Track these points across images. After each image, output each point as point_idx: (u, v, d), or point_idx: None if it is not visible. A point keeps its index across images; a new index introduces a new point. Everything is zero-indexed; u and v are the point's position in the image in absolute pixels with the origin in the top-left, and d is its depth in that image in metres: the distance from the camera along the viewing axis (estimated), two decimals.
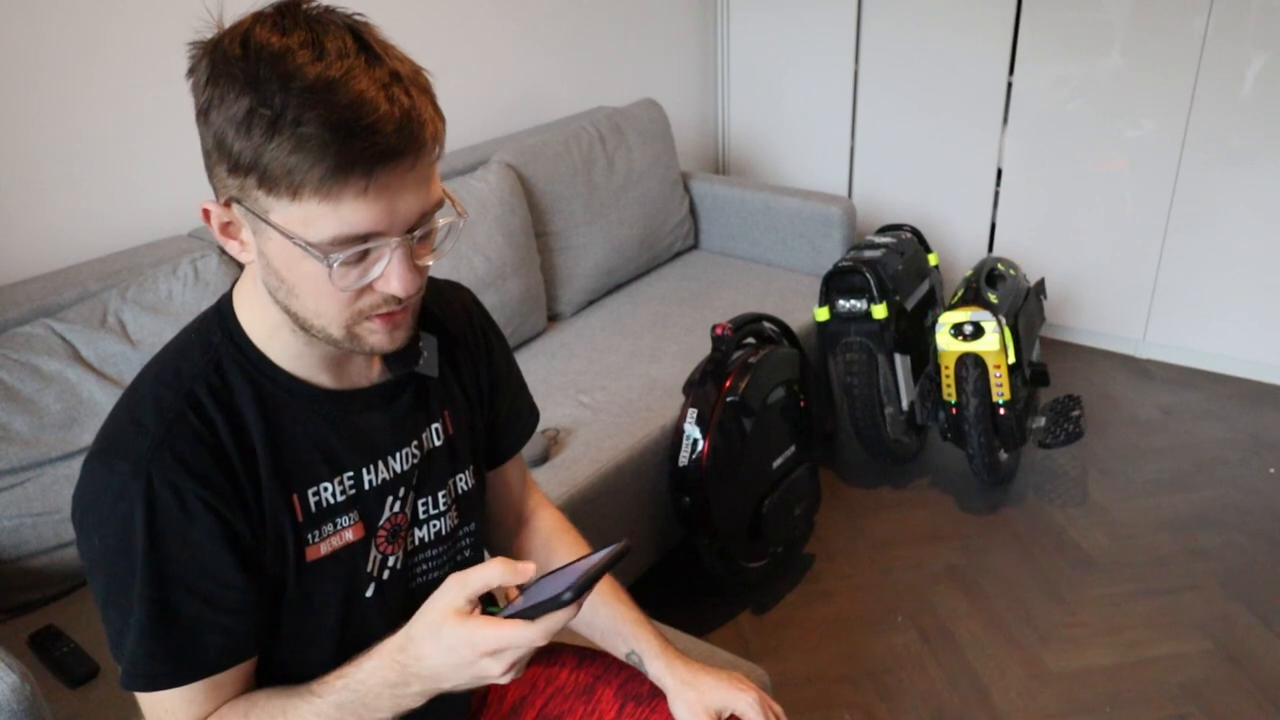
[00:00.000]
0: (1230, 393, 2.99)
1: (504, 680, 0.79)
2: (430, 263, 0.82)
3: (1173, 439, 2.78)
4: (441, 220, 0.81)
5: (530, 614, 0.77)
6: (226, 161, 0.73)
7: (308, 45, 0.71)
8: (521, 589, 0.83)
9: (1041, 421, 2.55)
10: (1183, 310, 3.06)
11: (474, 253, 2.29)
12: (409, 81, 0.74)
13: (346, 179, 0.71)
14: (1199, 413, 2.90)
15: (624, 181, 2.74)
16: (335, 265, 0.75)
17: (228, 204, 0.77)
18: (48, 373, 1.62)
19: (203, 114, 0.74)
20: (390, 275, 0.78)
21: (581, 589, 0.76)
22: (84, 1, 1.85)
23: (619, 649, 1.10)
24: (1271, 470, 2.62)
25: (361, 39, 0.74)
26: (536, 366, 2.35)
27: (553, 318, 2.62)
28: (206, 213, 0.80)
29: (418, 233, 0.78)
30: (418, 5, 2.50)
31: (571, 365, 2.35)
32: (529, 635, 0.76)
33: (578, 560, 0.84)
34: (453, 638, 0.77)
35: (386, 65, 0.73)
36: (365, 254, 0.76)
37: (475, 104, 2.73)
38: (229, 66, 0.72)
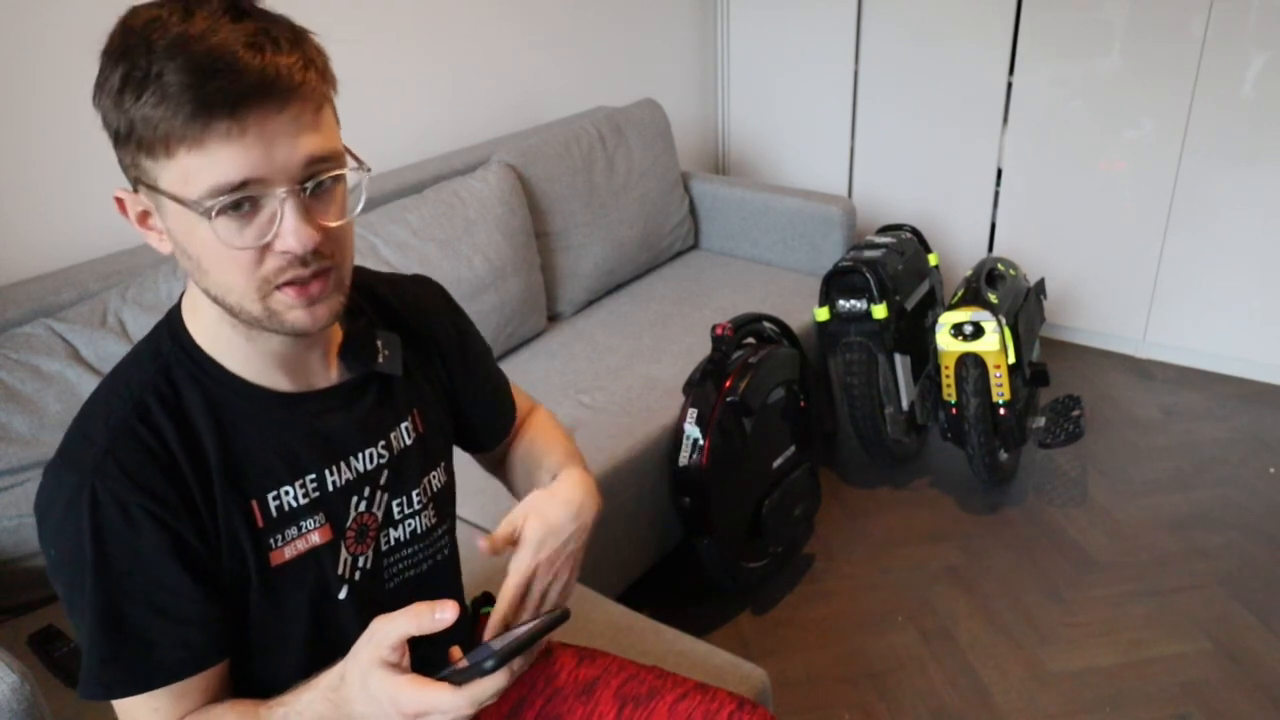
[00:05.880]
0: (1230, 393, 2.99)
1: None
2: (336, 223, 0.79)
3: (1173, 439, 2.78)
4: (335, 174, 0.78)
5: (458, 679, 0.74)
6: (115, 140, 0.74)
7: (177, 12, 0.72)
8: (476, 647, 0.79)
9: (1041, 421, 2.55)
10: (1183, 310, 3.06)
11: (474, 253, 2.29)
12: (280, 35, 0.74)
13: (210, 121, 0.70)
14: (1199, 413, 2.90)
15: (624, 181, 2.74)
16: (214, 216, 0.73)
17: (136, 190, 0.77)
18: (48, 373, 1.62)
19: (94, 101, 0.75)
20: (285, 231, 0.75)
21: (504, 658, 0.73)
22: (84, 1, 1.85)
23: (543, 480, 1.06)
24: (1271, 470, 2.62)
25: (236, 5, 0.74)
26: (536, 366, 2.35)
27: (553, 318, 2.62)
28: (120, 203, 0.79)
29: (309, 184, 0.76)
30: (418, 6, 2.50)
31: (571, 365, 2.35)
32: (454, 702, 0.74)
33: (528, 622, 0.81)
34: (378, 690, 0.75)
35: (254, 23, 0.73)
36: (251, 207, 0.74)
37: (475, 104, 2.73)
38: (109, 48, 0.74)
